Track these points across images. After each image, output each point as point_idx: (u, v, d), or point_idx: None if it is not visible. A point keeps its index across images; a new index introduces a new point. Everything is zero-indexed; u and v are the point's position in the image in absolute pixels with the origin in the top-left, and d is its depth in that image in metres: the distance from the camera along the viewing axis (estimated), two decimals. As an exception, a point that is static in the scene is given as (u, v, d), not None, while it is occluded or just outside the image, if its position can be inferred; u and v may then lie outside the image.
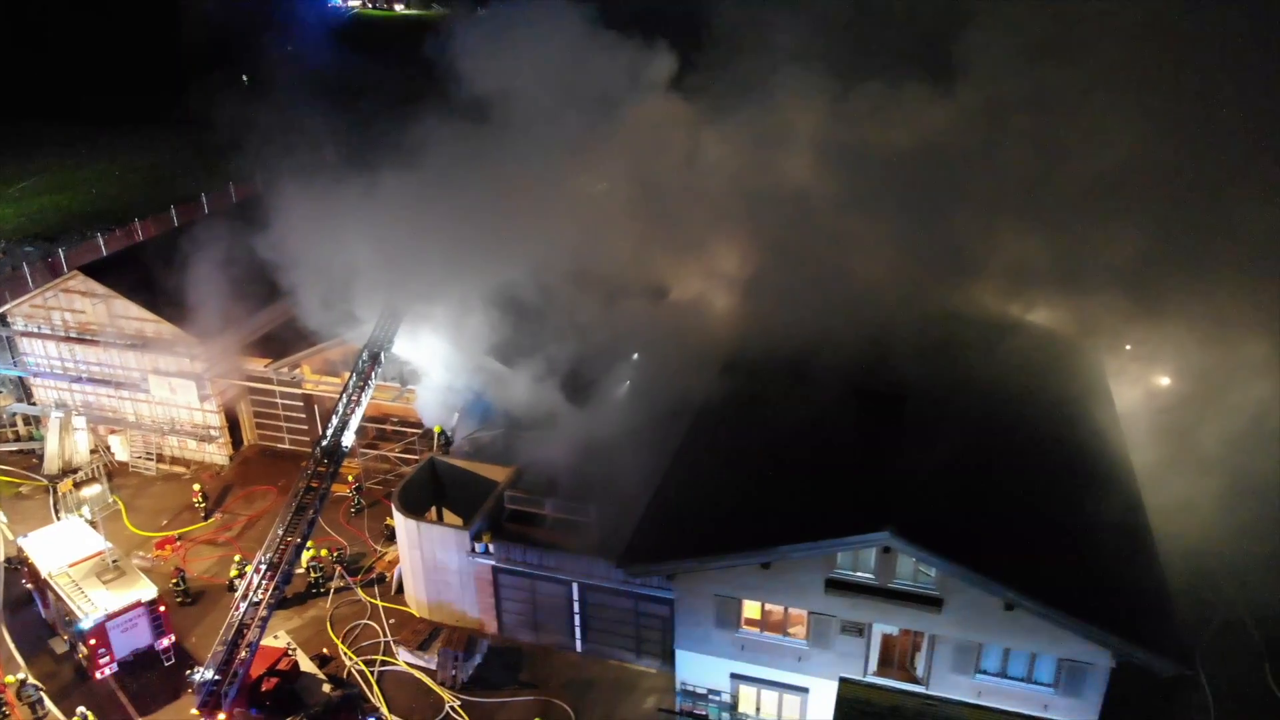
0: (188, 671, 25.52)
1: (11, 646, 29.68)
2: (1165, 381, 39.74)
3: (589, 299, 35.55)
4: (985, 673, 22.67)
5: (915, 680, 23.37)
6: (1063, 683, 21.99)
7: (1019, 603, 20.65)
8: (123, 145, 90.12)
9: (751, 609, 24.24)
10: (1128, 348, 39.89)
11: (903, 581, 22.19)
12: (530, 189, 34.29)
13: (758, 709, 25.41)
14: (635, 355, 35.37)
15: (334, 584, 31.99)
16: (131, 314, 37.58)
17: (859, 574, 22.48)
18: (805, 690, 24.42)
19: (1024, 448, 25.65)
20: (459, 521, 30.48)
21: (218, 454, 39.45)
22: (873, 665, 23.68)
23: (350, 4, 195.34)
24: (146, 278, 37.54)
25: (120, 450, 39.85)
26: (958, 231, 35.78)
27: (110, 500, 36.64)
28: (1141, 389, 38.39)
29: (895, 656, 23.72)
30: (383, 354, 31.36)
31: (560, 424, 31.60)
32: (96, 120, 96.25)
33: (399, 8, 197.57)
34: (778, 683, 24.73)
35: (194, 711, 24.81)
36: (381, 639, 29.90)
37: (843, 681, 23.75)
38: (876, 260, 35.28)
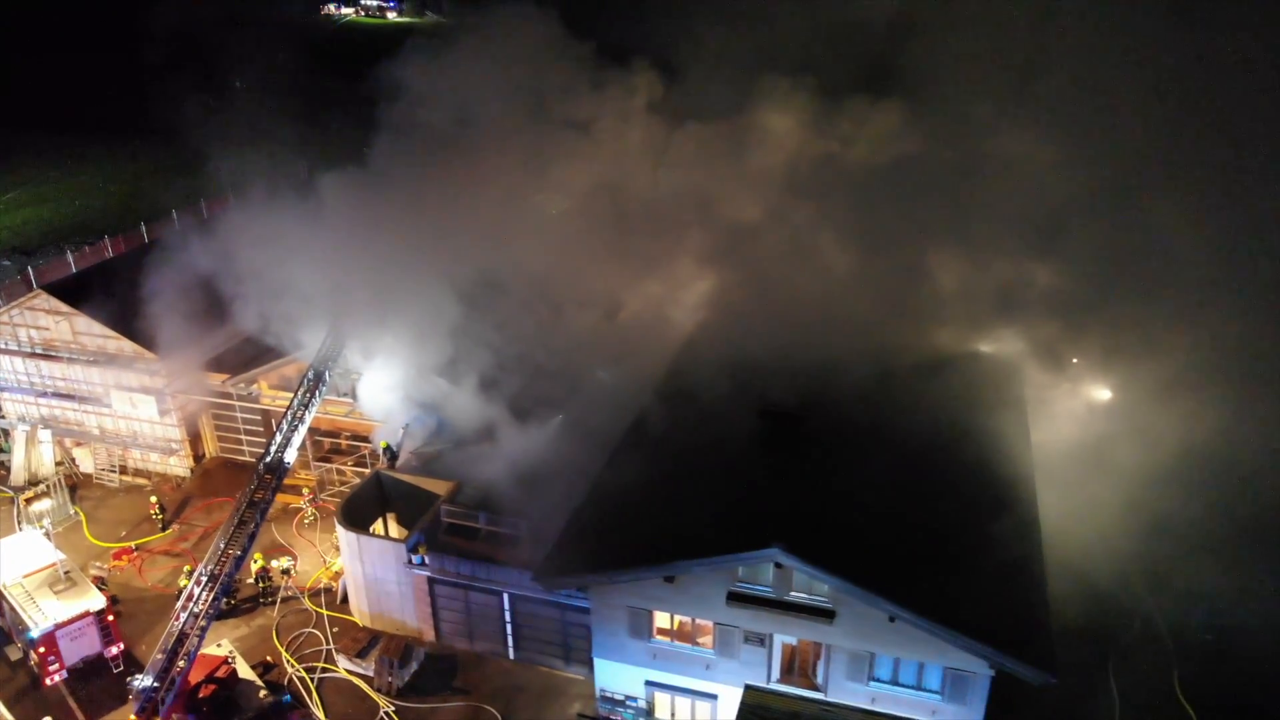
0: (128, 678, 26.77)
1: (-31, 655, 30.97)
2: (1106, 395, 41.18)
3: (536, 321, 36.91)
4: (878, 680, 23.92)
5: (815, 688, 24.62)
6: (948, 690, 23.24)
7: (898, 615, 21.91)
8: (107, 156, 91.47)
9: (662, 619, 25.53)
10: (1074, 361, 41.40)
11: (798, 595, 23.46)
12: (478, 212, 35.66)
13: (672, 715, 26.65)
14: (600, 373, 36.36)
15: (280, 594, 33.24)
16: (94, 331, 38.89)
17: (758, 587, 23.74)
18: (715, 697, 25.68)
19: (927, 469, 26.86)
20: (404, 533, 31.75)
21: (179, 466, 40.73)
22: (776, 673, 24.95)
23: (343, 12, 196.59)
24: (110, 295, 38.78)
25: (85, 462, 41.14)
26: (905, 258, 37.28)
27: (71, 512, 37.94)
28: (1082, 402, 39.90)
29: (796, 665, 24.98)
30: (327, 373, 32.60)
31: (500, 441, 32.93)
32: (82, 131, 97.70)
33: (391, 15, 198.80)
34: (689, 689, 26.01)
35: (132, 717, 26.09)
36: (324, 647, 31.16)
37: (748, 688, 25.00)
38: (821, 284, 36.63)
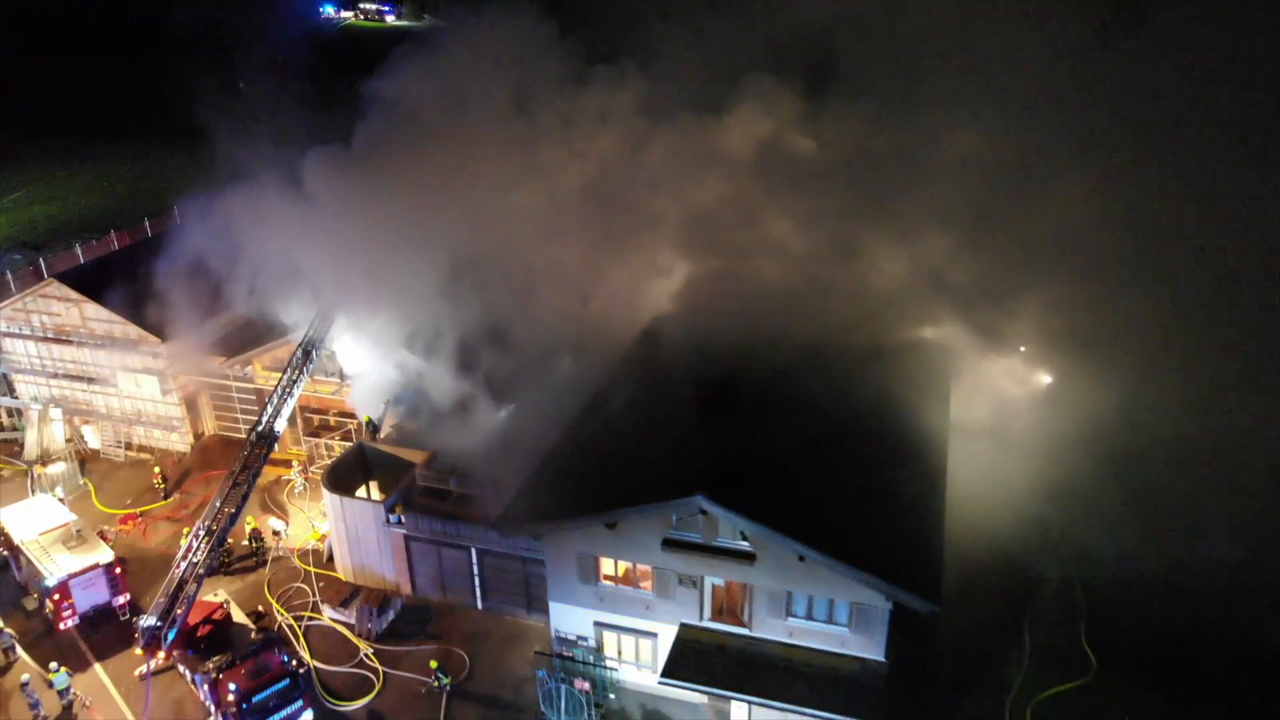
0: (134, 618, 30.03)
1: (-11, 604, 34.26)
2: (1047, 380, 44.52)
3: (511, 305, 40.00)
4: (795, 616, 27.05)
5: (742, 624, 27.79)
6: (855, 623, 26.38)
7: (807, 554, 25.10)
8: (109, 156, 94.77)
9: (608, 566, 28.72)
10: (1021, 349, 44.75)
11: (724, 540, 26.63)
12: (458, 202, 38.75)
13: (619, 652, 29.85)
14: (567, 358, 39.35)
15: (272, 554, 36.52)
16: (102, 316, 42.13)
17: (690, 534, 26.93)
18: (655, 635, 28.85)
19: (846, 433, 30.03)
20: (384, 497, 34.96)
21: (180, 442, 43.99)
22: (707, 612, 28.12)
23: (342, 15, 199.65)
24: (117, 284, 42.04)
25: (93, 439, 44.40)
26: (848, 246, 40.61)
27: (81, 482, 41.21)
28: (1026, 385, 43.29)
29: (725, 605, 28.17)
30: (314, 351, 35.84)
31: (471, 415, 36.18)
32: (87, 132, 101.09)
33: (390, 19, 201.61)
34: (632, 629, 29.17)
35: (138, 651, 29.39)
36: (310, 599, 34.42)
37: (682, 626, 28.19)
38: (770, 272, 39.86)
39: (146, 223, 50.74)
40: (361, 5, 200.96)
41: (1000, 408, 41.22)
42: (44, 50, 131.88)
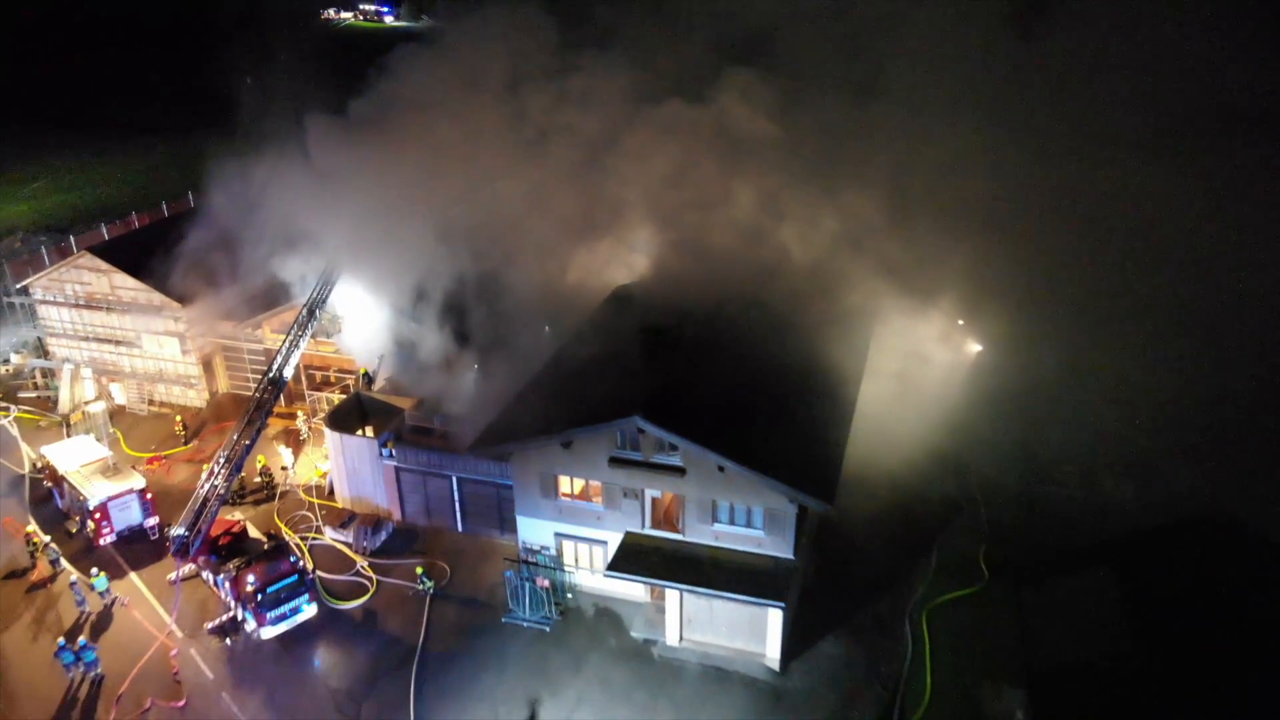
0: (166, 528, 35.41)
1: (36, 527, 39.54)
2: (978, 348, 50.12)
3: (494, 273, 45.19)
4: (720, 522, 32.34)
5: (676, 530, 33.10)
6: (768, 526, 31.66)
7: (725, 464, 30.41)
8: (124, 150, 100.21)
9: (565, 484, 34.09)
10: (960, 322, 50.37)
11: (660, 457, 31.95)
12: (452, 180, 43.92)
13: (575, 559, 35.20)
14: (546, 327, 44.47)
15: (280, 489, 41.87)
16: (129, 285, 47.46)
17: (632, 453, 32.26)
18: (605, 542, 34.15)
19: (771, 373, 35.40)
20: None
21: (197, 398, 49.33)
22: (648, 522, 33.44)
23: (342, 16, 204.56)
24: (141, 257, 47.41)
25: (119, 395, 49.73)
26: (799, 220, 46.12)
27: (111, 431, 46.53)
28: (960, 351, 48.89)
29: (664, 516, 33.53)
30: (317, 310, 41.12)
31: (455, 367, 41.57)
32: (101, 126, 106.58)
33: (388, 19, 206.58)
34: (586, 538, 34.51)
35: (170, 557, 34.80)
36: (314, 523, 39.78)
37: (627, 534, 33.53)
38: (727, 242, 45.22)
39: (164, 205, 55.95)
40: (361, 6, 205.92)
41: (934, 369, 46.79)
42: (58, 48, 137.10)
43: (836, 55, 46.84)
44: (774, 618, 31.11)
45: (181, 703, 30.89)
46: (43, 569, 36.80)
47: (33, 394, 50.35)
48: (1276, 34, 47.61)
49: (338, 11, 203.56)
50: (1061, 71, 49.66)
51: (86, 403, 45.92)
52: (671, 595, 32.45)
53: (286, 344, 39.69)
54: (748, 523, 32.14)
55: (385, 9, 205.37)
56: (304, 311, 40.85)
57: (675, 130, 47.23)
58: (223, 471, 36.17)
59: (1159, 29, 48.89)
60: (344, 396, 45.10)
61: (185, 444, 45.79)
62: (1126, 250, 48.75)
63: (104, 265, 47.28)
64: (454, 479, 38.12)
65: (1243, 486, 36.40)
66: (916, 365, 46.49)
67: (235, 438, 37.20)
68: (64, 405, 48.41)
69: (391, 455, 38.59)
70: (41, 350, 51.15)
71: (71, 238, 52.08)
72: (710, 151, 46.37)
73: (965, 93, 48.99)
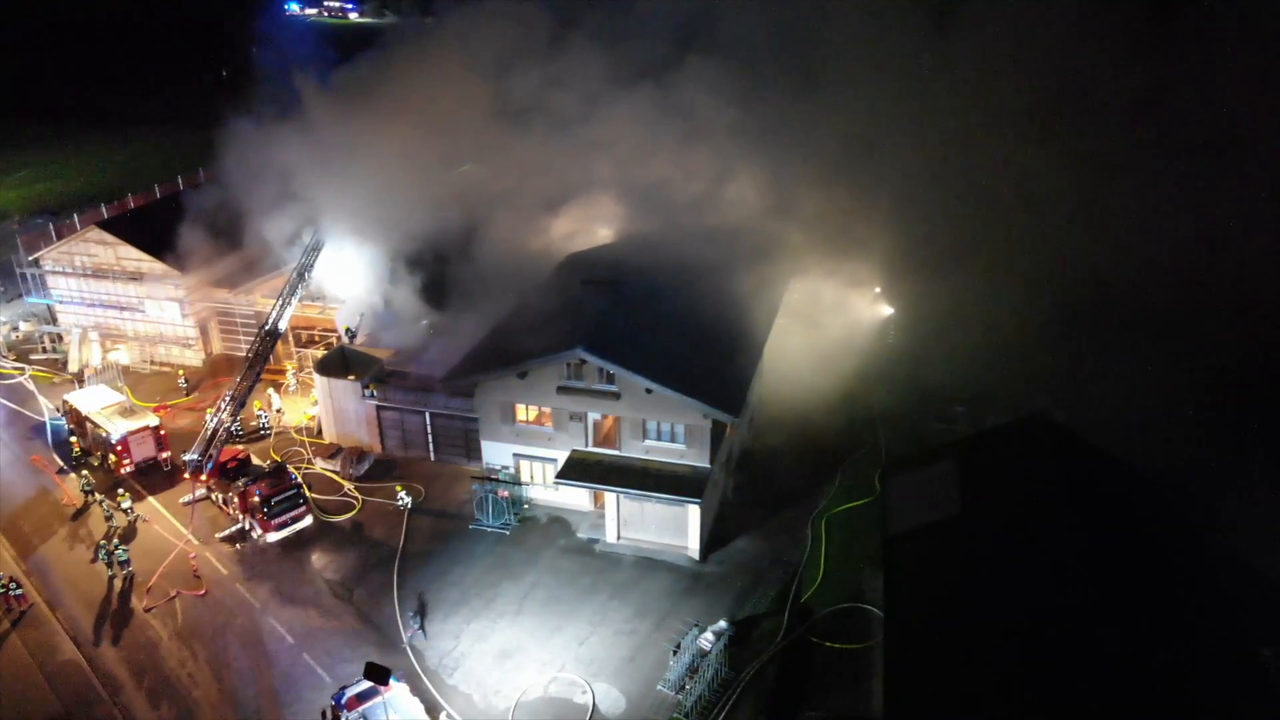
0: (182, 454, 41.66)
1: (60, 462, 45.58)
2: (889, 310, 57.45)
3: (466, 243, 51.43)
4: (649, 438, 39.12)
5: (614, 447, 39.85)
6: (688, 440, 38.45)
7: (651, 386, 37.15)
8: (101, 140, 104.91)
9: (521, 412, 40.74)
10: (877, 290, 57.72)
11: (599, 385, 38.65)
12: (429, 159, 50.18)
13: (531, 476, 41.88)
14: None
15: (274, 429, 48.13)
16: (132, 256, 53.32)
17: (576, 382, 38.96)
18: (554, 460, 40.80)
19: (694, 317, 42.30)
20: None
21: (194, 358, 55.30)
22: (591, 441, 40.17)
23: (307, 12, 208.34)
24: (142, 230, 53.32)
25: (124, 356, 55.55)
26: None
27: (120, 385, 52.40)
28: (874, 312, 56.16)
29: (604, 435, 40.29)
30: (306, 273, 47.36)
31: (427, 323, 48.10)
32: (76, 118, 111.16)
33: (352, 16, 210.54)
34: (539, 457, 41.18)
35: (185, 476, 41.07)
36: (306, 456, 46.11)
37: (573, 452, 40.22)
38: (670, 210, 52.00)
39: (156, 188, 61.50)
40: (325, 3, 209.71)
41: (848, 328, 54.03)
42: (36, 40, 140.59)
43: (779, 47, 53.85)
44: (693, 514, 38.00)
45: (203, 592, 37.19)
46: (74, 497, 42.72)
47: (42, 356, 55.97)
48: (1138, 34, 55.45)
49: (302, 8, 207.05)
50: (964, 67, 57.40)
51: (105, 355, 51.94)
52: (610, 500, 39.24)
53: (279, 303, 45.90)
54: (672, 438, 38.92)
55: (350, 5, 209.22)
56: (294, 274, 47.05)
57: (632, 112, 53.92)
58: (229, 407, 42.42)
59: (1042, 31, 56.83)
60: (328, 351, 51.36)
61: (186, 395, 51.77)
62: (1003, 220, 56.47)
63: (110, 238, 53.09)
64: (427, 415, 44.62)
65: (1078, 400, 44.47)
66: (833, 323, 53.82)
67: (238, 379, 43.44)
68: (73, 365, 54.20)
69: (373, 395, 44.99)
70: (51, 316, 56.78)
71: (75, 216, 57.52)
72: (660, 131, 53.18)
73: (887, 83, 56.47)
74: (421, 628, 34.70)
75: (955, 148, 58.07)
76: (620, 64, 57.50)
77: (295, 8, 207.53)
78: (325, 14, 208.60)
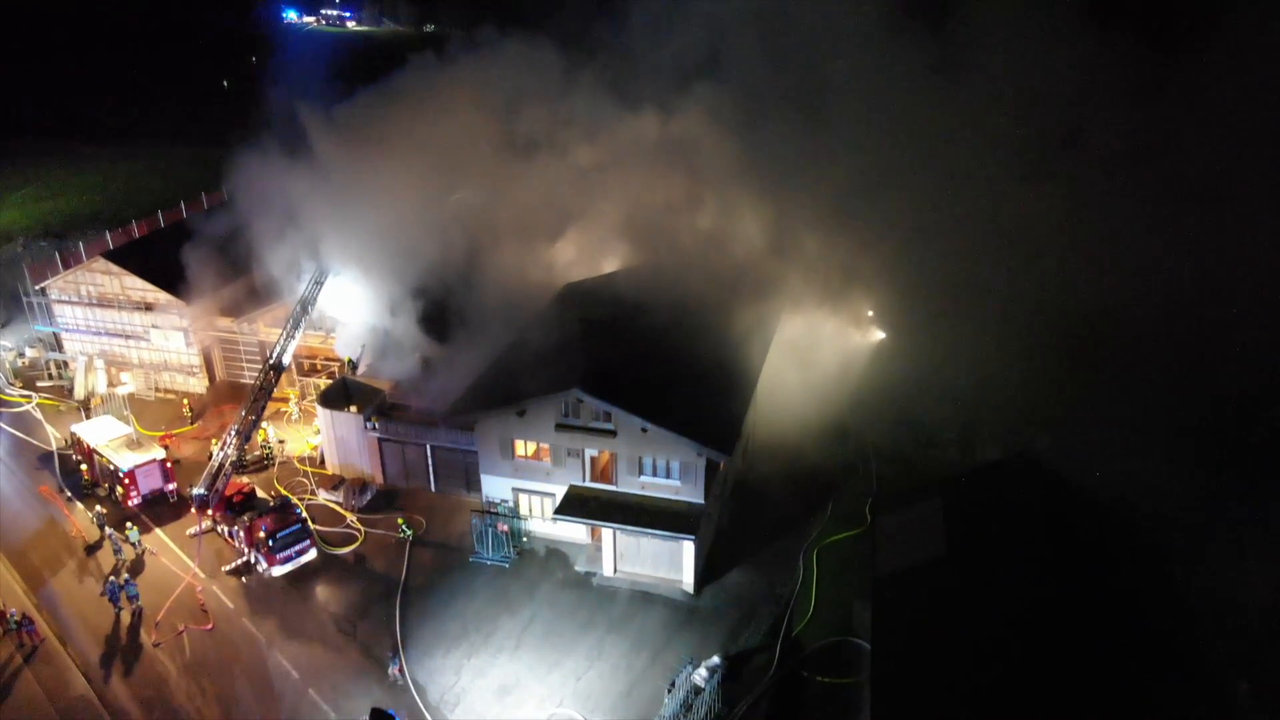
0: (189, 486, 42.61)
1: (69, 493, 46.54)
2: (882, 334, 58.55)
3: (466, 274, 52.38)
4: (645, 474, 40.16)
5: (611, 483, 40.87)
6: (683, 477, 39.48)
7: (646, 426, 38.21)
8: (101, 156, 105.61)
9: (520, 447, 41.76)
10: (870, 313, 58.86)
11: (596, 423, 39.70)
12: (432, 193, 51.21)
13: (529, 509, 42.90)
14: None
15: (278, 460, 49.12)
16: (138, 286, 54.29)
17: (574, 419, 39.98)
18: (553, 494, 41.82)
19: (690, 354, 43.28)
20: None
21: (198, 385, 56.27)
22: (588, 476, 41.20)
23: (305, 20, 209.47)
24: (147, 260, 54.26)
25: (129, 383, 56.50)
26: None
27: (125, 413, 53.38)
28: (866, 337, 57.26)
29: (600, 470, 41.32)
30: (309, 306, 48.32)
31: (427, 356, 49.07)
32: (76, 134, 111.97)
33: (350, 24, 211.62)
34: (538, 491, 42.21)
35: (193, 510, 42.04)
36: (309, 486, 47.10)
37: (571, 487, 41.25)
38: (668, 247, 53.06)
39: (160, 215, 62.37)
40: (323, 11, 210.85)
41: (841, 353, 55.13)
42: (37, 55, 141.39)
43: (783, 83, 54.99)
44: (688, 549, 39.03)
45: (209, 626, 38.18)
46: (83, 529, 43.69)
47: (48, 383, 56.91)
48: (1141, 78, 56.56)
49: (300, 16, 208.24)
50: (965, 106, 58.57)
51: (110, 388, 52.82)
52: (607, 534, 40.27)
53: (284, 334, 46.88)
54: (667, 474, 39.94)
55: (348, 14, 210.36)
56: (298, 308, 48.03)
57: (633, 148, 55.07)
58: (234, 442, 43.41)
59: (1045, 71, 58.04)
60: (330, 381, 52.34)
61: (191, 424, 52.74)
62: (1000, 258, 57.62)
63: (115, 268, 54.04)
64: (428, 447, 45.62)
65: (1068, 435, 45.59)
66: (826, 349, 54.89)
67: (243, 413, 44.43)
68: (79, 393, 55.16)
69: (375, 427, 45.99)
70: (56, 343, 57.72)
71: (80, 245, 58.44)
72: (657, 164, 54.29)
73: (887, 122, 57.52)
74: (401, 669, 35.39)
75: (957, 183, 59.06)
76: (624, 100, 58.88)
77: (293, 16, 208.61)
78: (323, 22, 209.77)
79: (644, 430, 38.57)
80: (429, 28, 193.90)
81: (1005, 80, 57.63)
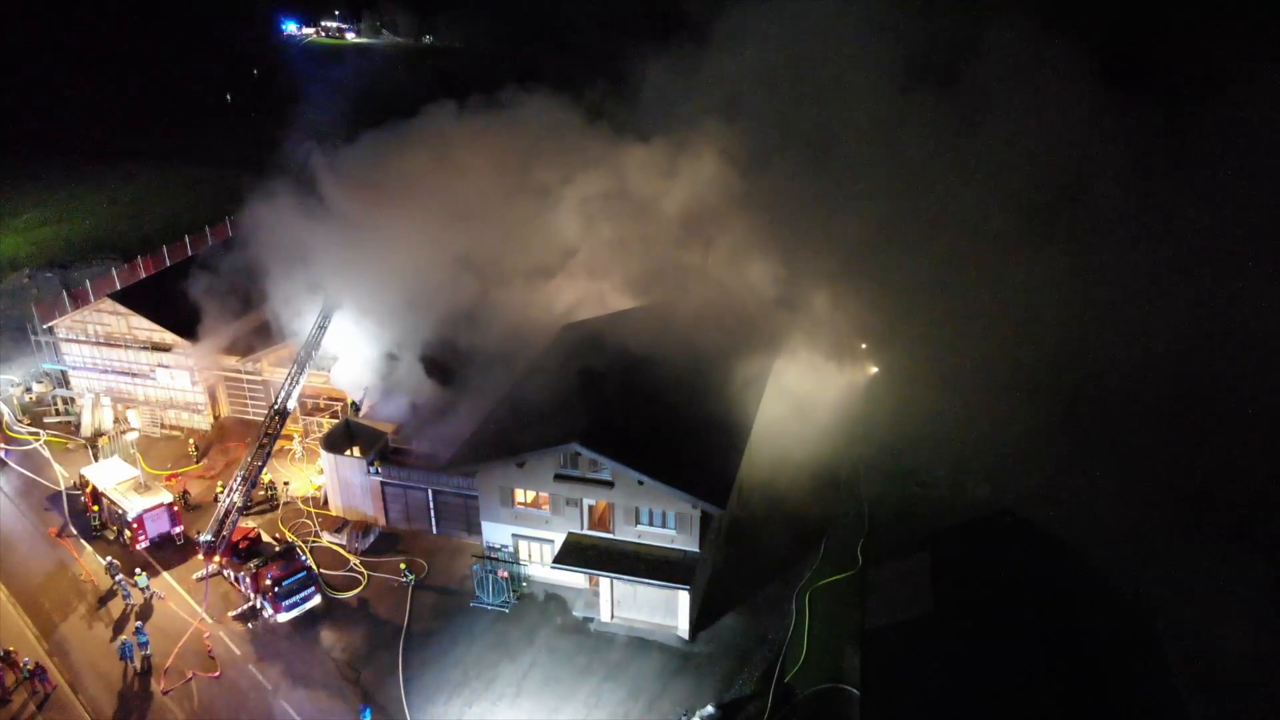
0: (195, 533, 43.64)
1: (77, 533, 47.55)
2: (874, 370, 59.66)
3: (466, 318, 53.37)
4: (642, 524, 41.23)
5: (609, 531, 41.94)
6: (679, 526, 40.56)
7: (643, 479, 39.29)
8: (105, 178, 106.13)
9: (520, 495, 42.83)
10: (863, 346, 60.01)
11: (594, 473, 40.78)
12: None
13: (529, 555, 43.98)
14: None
15: (282, 501, 50.14)
16: (144, 325, 55.31)
17: (572, 470, 41.05)
18: (552, 541, 42.88)
19: (684, 406, 44.33)
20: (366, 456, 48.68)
21: (203, 422, 57.30)
22: (586, 524, 42.26)
23: (305, 32, 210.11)
24: (153, 300, 55.30)
25: (135, 420, 57.52)
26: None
27: (132, 452, 54.37)
28: (860, 373, 58.36)
29: (598, 519, 42.39)
30: (313, 350, 49.32)
31: (429, 399, 50.14)
32: (79, 154, 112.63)
33: (350, 36, 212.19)
34: (537, 538, 43.28)
35: (199, 557, 43.06)
36: (313, 528, 48.14)
37: (569, 535, 42.32)
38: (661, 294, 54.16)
39: (165, 251, 63.25)
40: (323, 24, 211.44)
41: (834, 390, 56.18)
42: (36, 75, 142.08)
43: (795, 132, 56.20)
44: (683, 598, 40.12)
45: (217, 673, 39.21)
46: (95, 576, 44.65)
47: (55, 419, 57.90)
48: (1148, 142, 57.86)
49: (300, 28, 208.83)
50: (965, 165, 59.90)
51: (121, 431, 53.84)
52: (604, 582, 41.33)
53: (289, 378, 47.90)
54: (663, 524, 41.02)
55: (347, 26, 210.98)
56: (302, 351, 49.03)
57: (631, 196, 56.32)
58: (240, 488, 44.45)
59: (1053, 132, 59.37)
60: (333, 421, 53.41)
61: (196, 463, 53.76)
62: (993, 314, 58.92)
63: (122, 309, 55.07)
64: (429, 491, 46.69)
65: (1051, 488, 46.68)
66: (820, 388, 55.92)
67: (249, 459, 45.46)
68: (86, 429, 56.17)
69: (377, 471, 47.04)
70: (63, 380, 58.72)
71: (88, 282, 59.27)
72: (648, 211, 55.46)
73: (892, 176, 58.73)
74: None
75: (963, 241, 60.14)
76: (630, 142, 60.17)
77: (293, 28, 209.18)
78: (323, 34, 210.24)
79: (641, 483, 39.61)
80: (427, 39, 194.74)
81: (1011, 145, 59.00)
